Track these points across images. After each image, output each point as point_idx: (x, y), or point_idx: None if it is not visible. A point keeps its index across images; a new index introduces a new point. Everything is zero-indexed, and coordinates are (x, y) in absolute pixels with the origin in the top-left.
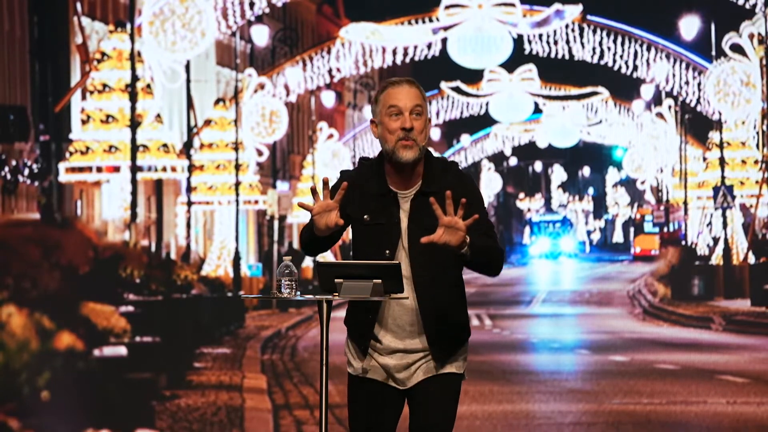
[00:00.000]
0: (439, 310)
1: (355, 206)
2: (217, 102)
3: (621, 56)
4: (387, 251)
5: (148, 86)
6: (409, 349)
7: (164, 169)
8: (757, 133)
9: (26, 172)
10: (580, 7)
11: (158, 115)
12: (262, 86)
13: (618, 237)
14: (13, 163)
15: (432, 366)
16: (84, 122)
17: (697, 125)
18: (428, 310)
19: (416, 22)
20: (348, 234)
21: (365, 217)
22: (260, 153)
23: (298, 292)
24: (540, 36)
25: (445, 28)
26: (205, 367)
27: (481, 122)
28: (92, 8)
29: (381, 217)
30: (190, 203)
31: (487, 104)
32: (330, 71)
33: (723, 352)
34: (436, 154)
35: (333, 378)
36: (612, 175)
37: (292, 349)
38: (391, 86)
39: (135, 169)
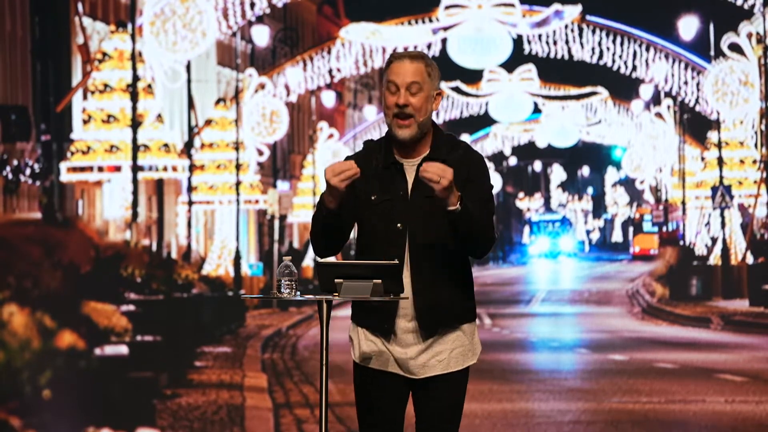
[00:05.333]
0: (434, 282)
1: (361, 188)
2: (217, 102)
3: (620, 56)
4: (399, 225)
5: (149, 86)
6: (412, 329)
7: (165, 169)
8: (756, 132)
9: (28, 171)
10: (579, 8)
11: (159, 115)
12: (262, 86)
13: (617, 236)
14: (15, 162)
15: (443, 359)
16: (85, 122)
17: (695, 125)
18: (421, 287)
19: (416, 22)
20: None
21: (372, 198)
22: (261, 153)
23: (298, 292)
24: (539, 36)
25: (445, 29)
26: (205, 366)
27: (481, 122)
28: (93, 8)
29: (387, 193)
30: (191, 203)
31: (486, 104)
32: (330, 71)
33: (722, 351)
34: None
35: (333, 377)
36: (611, 175)
37: (292, 348)
38: (393, 61)
39: (136, 168)
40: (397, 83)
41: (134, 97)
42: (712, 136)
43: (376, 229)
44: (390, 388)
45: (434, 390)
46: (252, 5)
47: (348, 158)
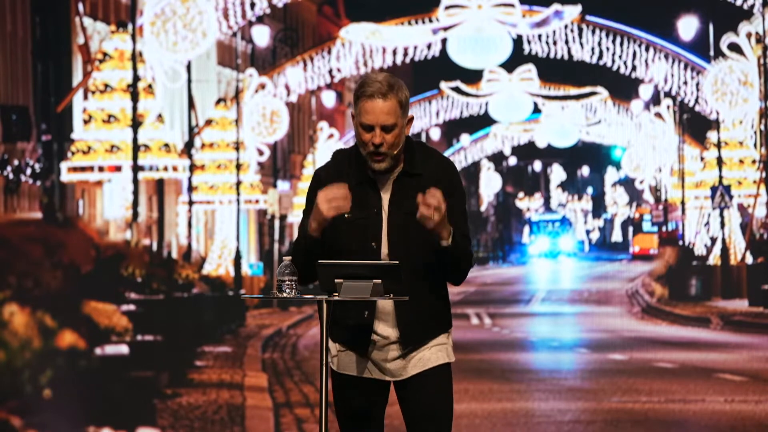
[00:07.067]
0: (414, 297)
1: None
2: (218, 102)
3: (620, 56)
4: (373, 243)
5: (150, 86)
6: (393, 337)
7: (165, 169)
8: (755, 132)
9: (28, 171)
10: (579, 8)
11: (159, 115)
12: (263, 86)
13: (617, 236)
14: (16, 162)
15: (423, 358)
16: (86, 122)
17: (695, 125)
18: (400, 305)
19: (416, 22)
20: None
21: (346, 215)
22: (261, 153)
23: (299, 292)
24: (539, 36)
25: (445, 29)
26: (206, 365)
27: (481, 122)
28: (94, 9)
29: (361, 210)
30: (191, 202)
31: (486, 104)
32: (330, 71)
33: (721, 351)
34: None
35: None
36: (611, 175)
37: (292, 348)
38: (364, 99)
39: (136, 168)
40: (371, 124)
41: (135, 97)
42: (712, 136)
43: (351, 248)
44: (369, 393)
45: (418, 390)
46: (252, 5)
47: (318, 170)
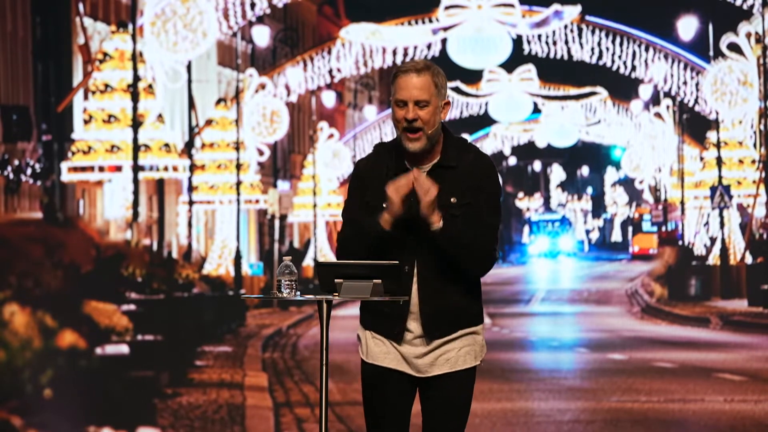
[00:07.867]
0: (441, 288)
1: (373, 193)
2: (218, 102)
3: (619, 56)
4: (408, 232)
5: (150, 86)
6: (419, 331)
7: (166, 169)
8: (755, 132)
9: (29, 171)
10: (578, 8)
11: (160, 115)
12: (263, 86)
13: (616, 236)
14: (16, 162)
15: (450, 360)
16: (86, 122)
17: (694, 125)
18: (427, 293)
19: (416, 22)
20: None
21: (384, 205)
22: (261, 153)
23: (298, 292)
24: (539, 36)
25: (445, 29)
26: (206, 365)
27: (481, 122)
28: (94, 9)
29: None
30: (191, 202)
31: (486, 104)
32: (330, 71)
33: (721, 351)
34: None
35: (333, 376)
36: (610, 175)
37: (292, 348)
38: (400, 74)
39: (137, 168)
40: (404, 99)
41: (135, 97)
42: (711, 136)
43: (389, 236)
44: (397, 386)
45: (442, 388)
46: (252, 5)
47: (359, 161)
